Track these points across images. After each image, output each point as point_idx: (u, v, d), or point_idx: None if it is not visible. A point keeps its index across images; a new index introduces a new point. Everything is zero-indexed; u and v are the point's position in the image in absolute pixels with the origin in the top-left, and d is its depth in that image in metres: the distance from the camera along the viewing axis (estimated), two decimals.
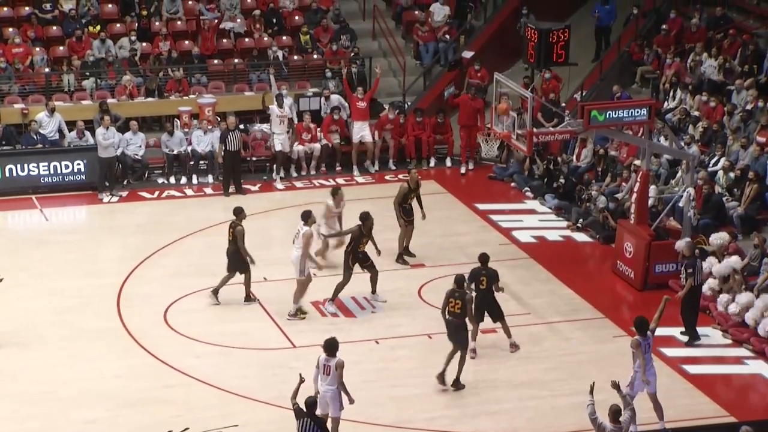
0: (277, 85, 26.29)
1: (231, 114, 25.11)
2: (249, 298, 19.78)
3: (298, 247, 18.94)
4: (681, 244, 18.96)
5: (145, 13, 28.92)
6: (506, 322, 18.21)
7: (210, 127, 25.86)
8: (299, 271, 19.04)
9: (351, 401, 14.98)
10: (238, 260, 19.58)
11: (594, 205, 23.16)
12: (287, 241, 21.60)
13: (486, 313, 18.17)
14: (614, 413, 14.15)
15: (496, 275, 18.11)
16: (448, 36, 29.73)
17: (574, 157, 25.39)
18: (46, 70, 27.36)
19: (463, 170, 26.28)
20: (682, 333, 18.64)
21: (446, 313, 17.04)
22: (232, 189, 24.77)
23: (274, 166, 25.68)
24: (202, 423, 15.96)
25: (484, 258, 18.27)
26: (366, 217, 19.63)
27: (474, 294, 17.79)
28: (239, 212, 19.77)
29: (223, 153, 24.60)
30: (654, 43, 28.33)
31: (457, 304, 16.86)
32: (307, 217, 19.05)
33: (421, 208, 21.56)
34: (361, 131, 25.89)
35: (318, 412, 14.43)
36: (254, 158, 26.23)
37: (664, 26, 28.48)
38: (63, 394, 16.88)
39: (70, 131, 25.33)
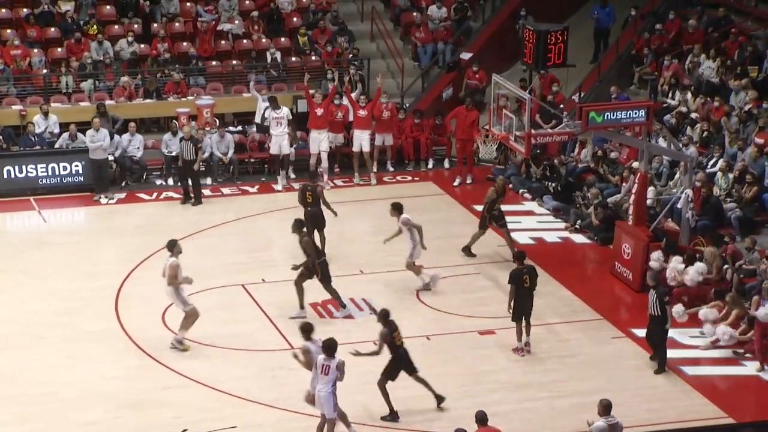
0: (257, 88, 26.34)
1: (187, 124, 24.91)
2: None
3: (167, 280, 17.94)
4: (651, 274, 18.20)
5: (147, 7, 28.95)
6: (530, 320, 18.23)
7: (208, 128, 25.87)
8: (181, 304, 18.08)
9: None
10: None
11: (589, 203, 23.16)
12: (286, 243, 21.67)
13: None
14: (605, 407, 14.29)
15: (536, 271, 18.18)
16: (440, 38, 29.74)
17: (575, 157, 25.37)
18: (44, 71, 27.35)
19: (456, 183, 25.95)
20: (651, 358, 18.06)
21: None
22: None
23: (275, 167, 25.66)
24: (201, 425, 15.96)
25: (521, 256, 18.21)
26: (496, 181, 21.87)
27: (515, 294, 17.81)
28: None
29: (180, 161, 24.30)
30: (652, 43, 28.33)
31: (399, 334, 16.35)
32: (171, 247, 18.14)
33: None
34: (361, 139, 25.78)
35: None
36: (252, 159, 26.23)
37: (658, 25, 28.51)
38: (62, 395, 16.88)
39: (62, 133, 25.27)
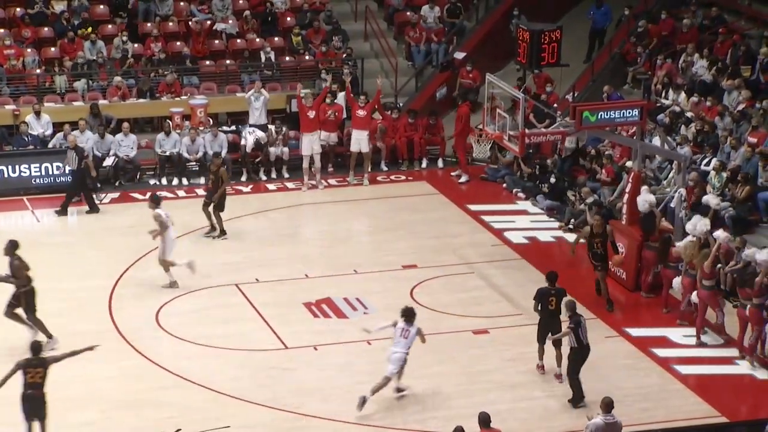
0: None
1: (70, 132, 24.63)
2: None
3: None
4: (568, 302, 17.35)
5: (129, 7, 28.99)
6: (561, 350, 17.48)
7: (202, 128, 25.86)
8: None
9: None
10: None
11: (583, 201, 23.20)
12: (278, 241, 21.73)
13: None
14: (606, 405, 14.39)
15: (564, 294, 17.43)
16: (435, 37, 29.74)
17: (558, 150, 25.41)
18: (38, 71, 27.32)
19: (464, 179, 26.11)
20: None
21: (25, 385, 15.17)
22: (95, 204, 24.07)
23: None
24: (195, 424, 15.95)
25: (552, 277, 17.52)
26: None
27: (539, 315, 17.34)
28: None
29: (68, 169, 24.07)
30: (639, 41, 28.39)
31: (37, 372, 15.13)
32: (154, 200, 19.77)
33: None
34: (359, 140, 25.75)
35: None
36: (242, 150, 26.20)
37: (641, 22, 28.55)
38: (56, 396, 16.77)
39: (56, 133, 25.22)
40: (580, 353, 16.63)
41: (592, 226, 20.02)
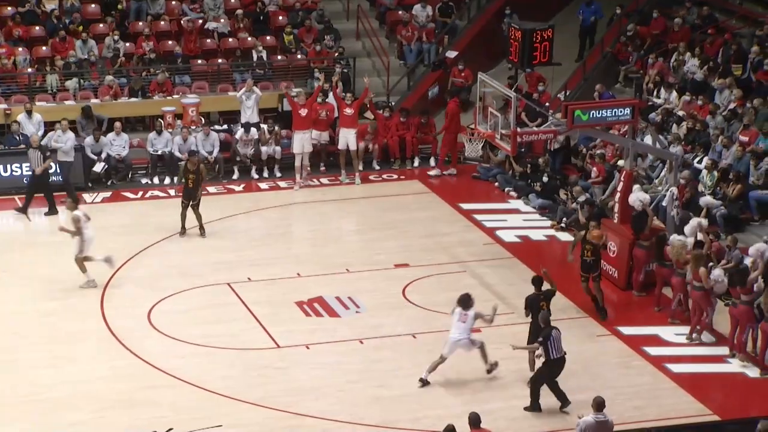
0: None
1: (34, 133, 24.49)
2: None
3: None
4: (542, 315, 17.27)
5: (120, 7, 28.88)
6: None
7: (194, 127, 25.84)
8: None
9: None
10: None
11: (575, 200, 23.21)
12: (270, 241, 21.72)
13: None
14: (598, 405, 14.43)
15: (553, 294, 17.54)
16: (426, 36, 29.75)
17: (548, 144, 25.45)
18: (29, 70, 27.27)
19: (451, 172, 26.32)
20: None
21: None
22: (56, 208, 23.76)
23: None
24: (187, 424, 15.93)
25: (537, 281, 17.55)
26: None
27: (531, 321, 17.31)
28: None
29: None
30: (630, 41, 28.46)
31: None
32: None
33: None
34: (348, 138, 25.76)
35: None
36: (239, 158, 26.21)
37: (630, 26, 28.61)
38: (48, 395, 16.83)
39: (48, 132, 25.15)
40: (548, 367, 16.54)
41: (587, 233, 19.40)
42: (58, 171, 24.28)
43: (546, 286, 17.58)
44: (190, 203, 22.36)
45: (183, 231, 22.50)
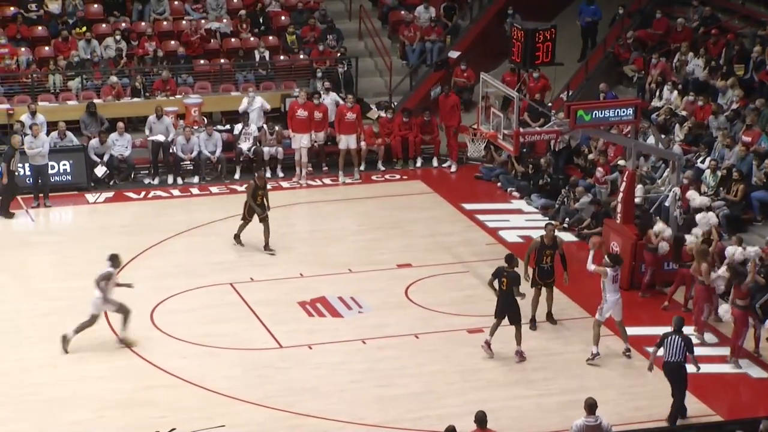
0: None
1: (15, 133, 24.34)
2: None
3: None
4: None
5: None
6: (521, 330, 17.96)
7: (196, 127, 25.84)
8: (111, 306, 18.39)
9: None
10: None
11: (577, 200, 23.17)
12: (273, 241, 21.71)
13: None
14: (589, 407, 14.30)
15: (518, 279, 17.94)
16: (427, 36, 29.72)
17: (551, 145, 25.43)
18: (32, 70, 27.25)
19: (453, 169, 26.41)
20: None
21: None
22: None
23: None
24: (188, 424, 15.92)
25: (508, 258, 18.19)
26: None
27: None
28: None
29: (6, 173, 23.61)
30: (628, 41, 28.45)
31: None
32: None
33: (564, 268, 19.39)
34: (348, 140, 25.75)
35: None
36: (241, 158, 26.20)
37: (629, 33, 28.61)
38: (48, 395, 16.83)
39: (50, 132, 25.17)
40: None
41: (543, 237, 19.14)
42: (29, 173, 24.17)
43: (521, 271, 18.41)
44: (260, 217, 21.73)
45: (238, 240, 22.01)
